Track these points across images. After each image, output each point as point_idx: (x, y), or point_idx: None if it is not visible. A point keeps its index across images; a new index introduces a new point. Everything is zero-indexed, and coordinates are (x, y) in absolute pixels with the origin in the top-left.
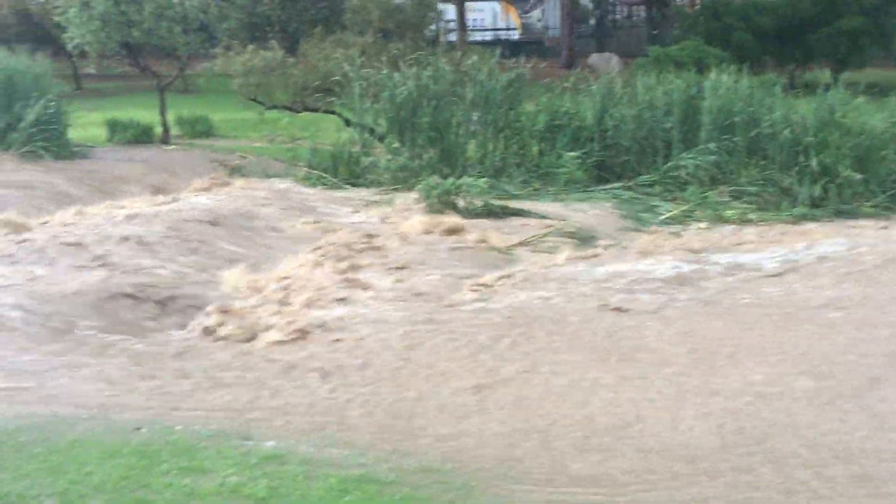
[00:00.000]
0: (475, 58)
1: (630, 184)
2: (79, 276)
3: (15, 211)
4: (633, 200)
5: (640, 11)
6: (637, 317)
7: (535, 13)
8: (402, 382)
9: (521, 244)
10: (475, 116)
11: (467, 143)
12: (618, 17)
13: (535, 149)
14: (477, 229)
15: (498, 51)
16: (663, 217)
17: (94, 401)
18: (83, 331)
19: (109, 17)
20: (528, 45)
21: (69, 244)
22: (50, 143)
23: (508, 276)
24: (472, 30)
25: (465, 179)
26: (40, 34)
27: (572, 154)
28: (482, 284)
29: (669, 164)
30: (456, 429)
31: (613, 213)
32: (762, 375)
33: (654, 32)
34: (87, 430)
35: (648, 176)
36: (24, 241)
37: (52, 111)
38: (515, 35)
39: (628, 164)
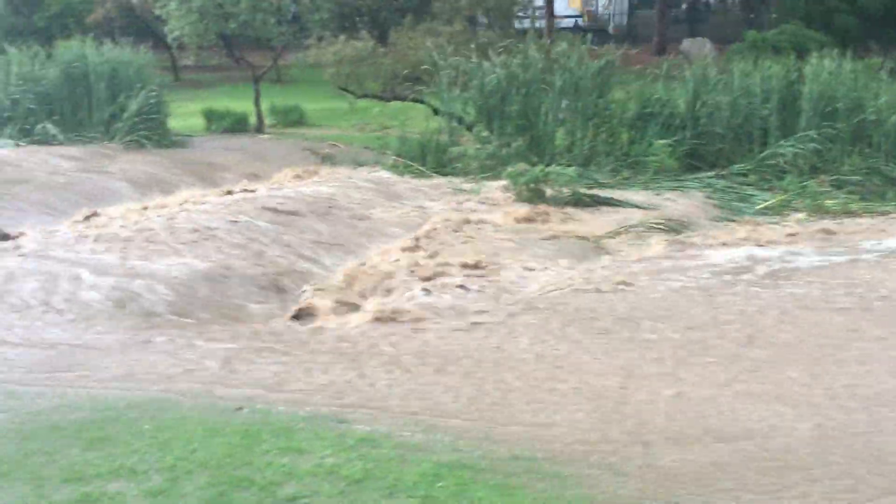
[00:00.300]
0: (564, 45)
1: (724, 172)
2: (181, 261)
3: (123, 198)
4: (727, 190)
5: None
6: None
7: (602, 1)
8: (496, 371)
9: (611, 234)
10: (564, 104)
11: (556, 132)
12: (711, 0)
13: (625, 137)
14: (566, 218)
15: (589, 37)
16: (760, 207)
17: (198, 381)
18: (189, 313)
19: (207, 9)
20: (593, 33)
21: (172, 230)
22: (151, 132)
23: (602, 267)
24: (537, 18)
25: (554, 168)
26: (142, 27)
27: (663, 142)
28: (567, 270)
29: (766, 152)
30: (549, 418)
31: (706, 202)
32: None
33: (751, 16)
34: (192, 408)
35: (743, 164)
36: (131, 226)
37: (153, 102)
38: (580, 22)
39: (722, 153)
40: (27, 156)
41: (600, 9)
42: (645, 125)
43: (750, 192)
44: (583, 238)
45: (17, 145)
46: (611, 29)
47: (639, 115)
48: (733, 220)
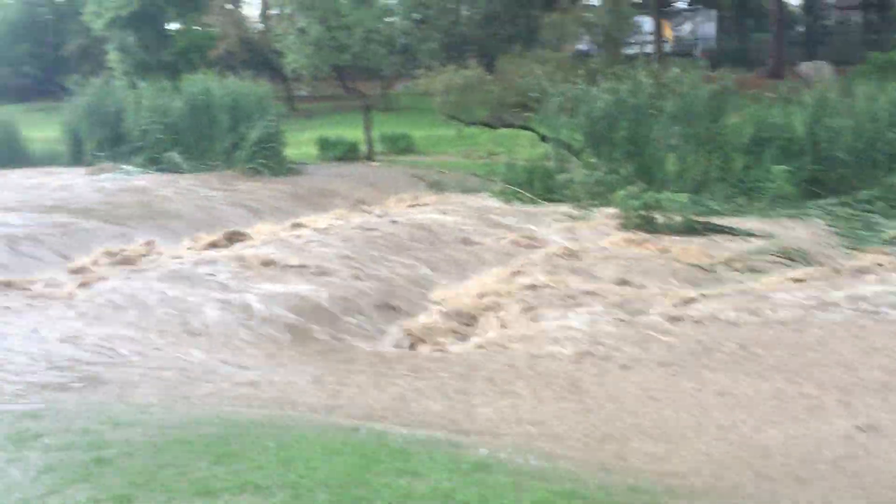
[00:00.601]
0: (676, 70)
1: (847, 199)
2: (302, 285)
3: (240, 223)
4: (851, 218)
5: (855, 16)
6: None
7: (687, 26)
8: (612, 398)
9: (725, 262)
10: (675, 130)
11: (666, 158)
12: (829, 22)
13: (740, 162)
14: (677, 245)
15: (703, 61)
16: (889, 236)
17: (318, 401)
18: (309, 335)
19: (323, 42)
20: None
21: (289, 253)
22: (268, 160)
23: (716, 295)
24: (630, 43)
25: (665, 194)
26: (260, 60)
27: (781, 168)
28: (684, 300)
29: (895, 178)
30: (668, 450)
31: (827, 231)
32: None
33: (874, 38)
34: (312, 427)
35: (869, 191)
36: (252, 250)
37: (270, 131)
38: (667, 47)
39: (844, 179)
40: (154, 183)
41: (691, 35)
42: (761, 150)
43: (876, 221)
44: (696, 266)
45: (147, 173)
46: (698, 52)
47: (754, 139)
48: (858, 250)
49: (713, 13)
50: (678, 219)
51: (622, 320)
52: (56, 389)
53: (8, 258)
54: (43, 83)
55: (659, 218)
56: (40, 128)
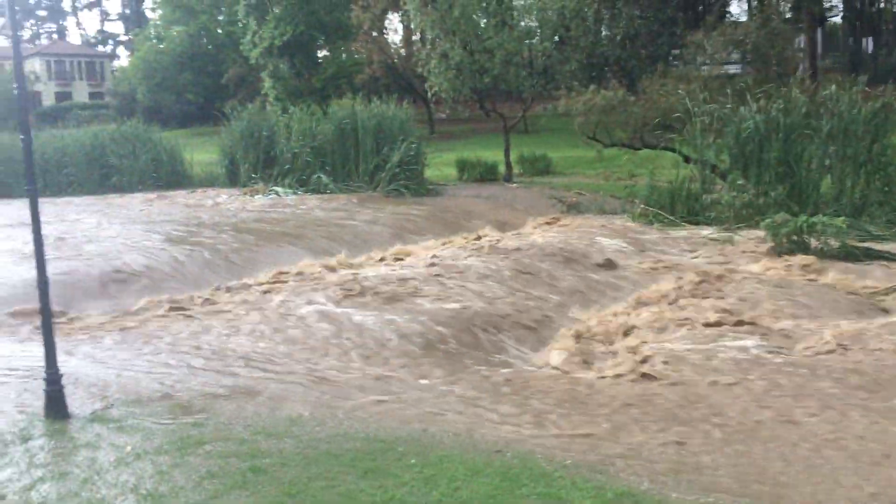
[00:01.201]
0: (833, 87)
1: None
2: (438, 304)
3: (383, 243)
4: None
5: None
6: None
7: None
8: (761, 432)
9: (890, 290)
10: (831, 150)
11: (821, 180)
12: None
13: None
14: (834, 272)
15: (863, 78)
16: None
17: (459, 421)
18: (454, 354)
19: (464, 65)
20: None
21: (429, 275)
22: (410, 181)
23: (884, 325)
24: (727, 63)
25: (820, 218)
26: (403, 84)
27: None
28: (843, 332)
29: None
30: (826, 491)
31: None
32: None
33: None
34: (454, 447)
35: None
36: (393, 271)
37: (412, 153)
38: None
39: None
40: (304, 204)
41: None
42: None
43: None
44: (854, 293)
45: (296, 194)
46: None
47: None
48: None
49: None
50: (834, 244)
51: (773, 350)
52: (216, 398)
53: (176, 272)
54: (203, 109)
55: (813, 242)
56: (200, 151)
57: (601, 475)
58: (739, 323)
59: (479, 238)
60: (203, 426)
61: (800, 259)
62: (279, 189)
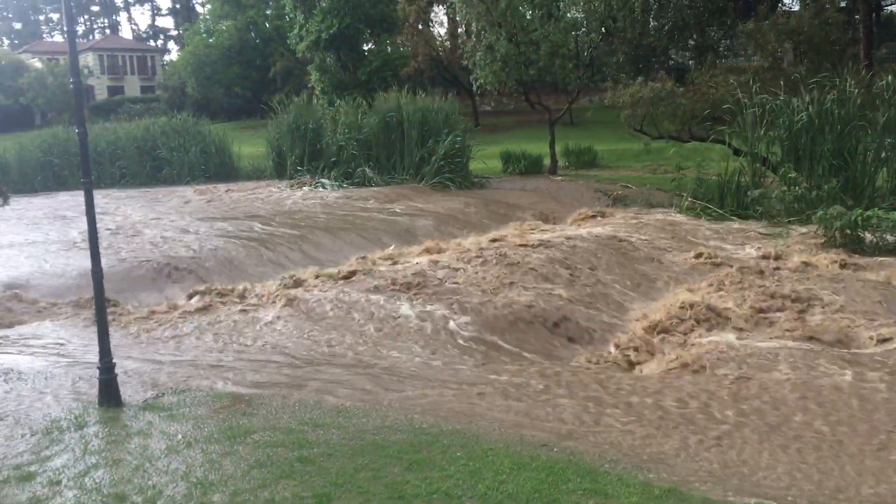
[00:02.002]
0: (889, 78)
1: None
2: (487, 297)
3: (429, 235)
4: None
5: None
6: None
7: None
8: (817, 432)
9: None
10: (889, 142)
11: (876, 173)
12: None
13: None
14: (889, 267)
15: None
16: None
17: (505, 415)
18: (497, 349)
19: (510, 57)
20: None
21: (477, 267)
22: (455, 174)
23: None
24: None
25: (875, 211)
26: (448, 77)
27: None
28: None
29: None
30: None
31: None
32: None
33: None
34: (500, 441)
35: None
36: (437, 264)
37: (457, 146)
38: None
39: None
40: (350, 195)
41: None
42: None
43: None
44: None
45: (342, 186)
46: None
47: None
48: None
49: None
50: (890, 238)
51: (824, 348)
52: (264, 388)
53: (226, 264)
54: (251, 102)
55: (867, 237)
56: (248, 144)
57: (649, 472)
58: (787, 319)
59: (527, 231)
60: (251, 415)
61: (854, 254)
62: (325, 182)
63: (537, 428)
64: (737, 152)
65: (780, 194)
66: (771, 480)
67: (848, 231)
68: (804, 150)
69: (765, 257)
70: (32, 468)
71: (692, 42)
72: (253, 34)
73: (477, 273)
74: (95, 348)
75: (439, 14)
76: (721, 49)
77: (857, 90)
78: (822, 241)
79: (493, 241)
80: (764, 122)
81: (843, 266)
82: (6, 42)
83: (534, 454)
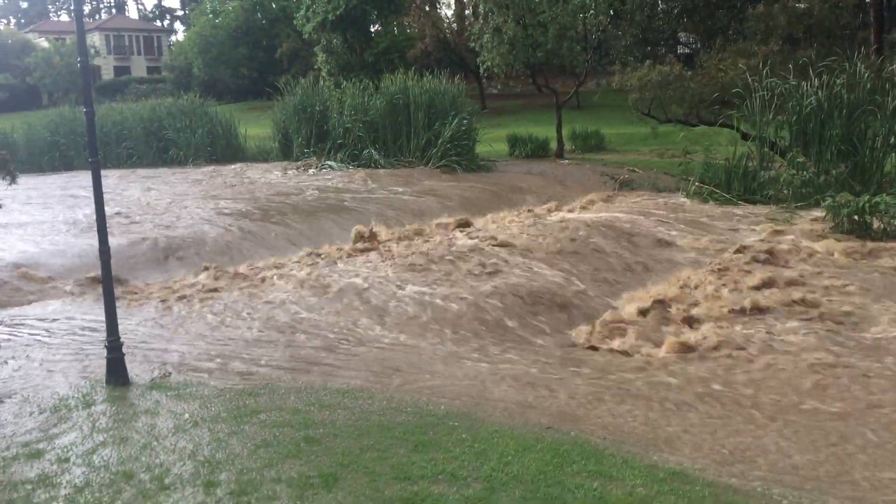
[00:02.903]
0: None
1: None
2: (492, 280)
3: (433, 216)
4: None
5: None
6: None
7: None
8: (827, 420)
9: None
10: None
11: (885, 158)
12: None
13: None
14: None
15: None
16: None
17: (510, 396)
18: (504, 331)
19: (517, 40)
20: None
21: (483, 249)
22: (461, 157)
23: None
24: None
25: (883, 198)
26: (455, 59)
27: None
28: None
29: None
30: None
31: None
32: None
33: None
34: (505, 422)
35: None
36: (447, 245)
37: (464, 129)
38: None
39: None
40: (355, 178)
41: None
42: None
43: None
44: None
45: (348, 168)
46: None
47: None
48: None
49: None
50: None
51: (836, 330)
52: (270, 368)
53: (232, 244)
54: (257, 83)
55: (875, 223)
56: (254, 125)
57: (653, 454)
58: (795, 301)
59: (531, 215)
60: (258, 395)
61: (860, 240)
62: (332, 163)
63: (543, 409)
64: (745, 137)
65: (788, 179)
66: (781, 465)
67: (856, 217)
68: (813, 135)
69: (771, 242)
70: (41, 445)
71: (702, 25)
72: (259, 15)
73: (483, 254)
74: (103, 327)
75: None
76: (730, 32)
77: (867, 74)
78: (830, 226)
79: (497, 222)
80: (773, 106)
81: (849, 252)
82: (13, 21)
83: (539, 436)
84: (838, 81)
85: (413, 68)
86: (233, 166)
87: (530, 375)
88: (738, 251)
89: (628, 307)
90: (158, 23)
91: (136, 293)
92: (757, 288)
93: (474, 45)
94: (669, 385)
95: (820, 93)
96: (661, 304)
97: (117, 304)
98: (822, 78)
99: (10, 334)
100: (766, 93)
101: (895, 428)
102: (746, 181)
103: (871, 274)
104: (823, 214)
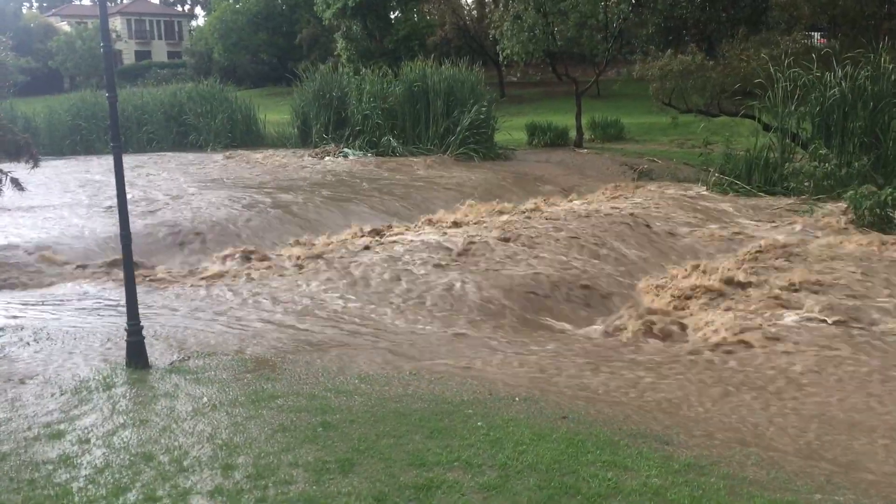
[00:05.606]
0: None
1: None
2: (509, 268)
3: (450, 205)
4: None
5: None
6: None
7: None
8: (837, 408)
9: None
10: None
11: None
12: None
13: None
14: None
15: None
16: None
17: (525, 385)
18: (515, 319)
19: (538, 28)
20: None
21: (501, 239)
22: (480, 145)
23: None
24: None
25: None
26: (475, 47)
27: None
28: None
29: None
30: None
31: None
32: None
33: None
34: (520, 411)
35: None
36: (455, 235)
37: (483, 117)
38: None
39: None
40: (373, 165)
41: None
42: None
43: None
44: None
45: (366, 155)
46: None
47: None
48: None
49: None
50: None
51: (849, 324)
52: (288, 353)
53: (251, 230)
54: (277, 69)
55: None
56: (273, 111)
57: (667, 445)
58: (811, 294)
59: (550, 205)
60: (276, 380)
61: (884, 234)
62: (350, 151)
63: (558, 398)
64: (766, 128)
65: (810, 171)
66: (789, 444)
67: (877, 210)
68: (835, 127)
69: (791, 234)
70: (62, 426)
71: (724, 14)
72: (280, 0)
73: (501, 244)
74: (123, 310)
75: None
76: (754, 22)
77: (891, 66)
78: (852, 219)
79: (516, 211)
80: (795, 97)
81: (870, 244)
82: (35, 5)
83: (554, 425)
84: (862, 73)
85: (432, 56)
86: (251, 151)
87: (547, 363)
88: (753, 243)
89: (645, 298)
90: (179, 7)
91: (157, 277)
92: (779, 281)
93: (494, 33)
94: (689, 375)
95: (843, 84)
96: (675, 294)
97: (138, 288)
98: (846, 69)
99: (31, 316)
100: (788, 83)
101: None
102: (767, 173)
103: (889, 267)
104: (845, 208)
